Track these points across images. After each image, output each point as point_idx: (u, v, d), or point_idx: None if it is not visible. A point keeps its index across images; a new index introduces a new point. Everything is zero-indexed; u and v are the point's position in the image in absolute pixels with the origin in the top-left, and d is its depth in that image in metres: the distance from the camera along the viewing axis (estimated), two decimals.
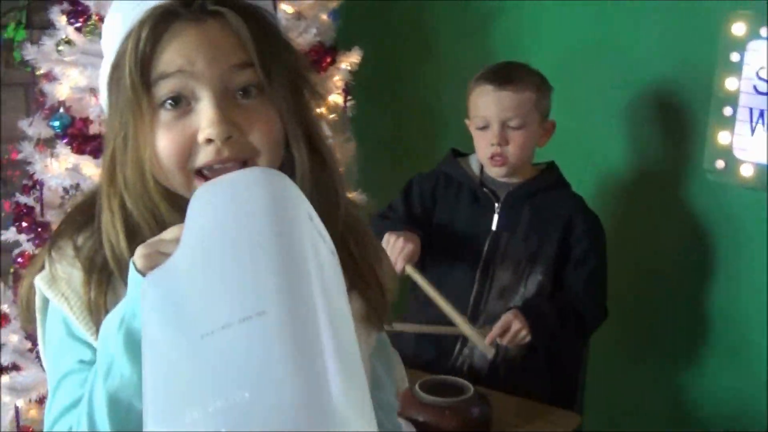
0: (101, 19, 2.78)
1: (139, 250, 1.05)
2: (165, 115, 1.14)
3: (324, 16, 2.98)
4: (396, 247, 2.35)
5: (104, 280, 1.17)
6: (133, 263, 1.05)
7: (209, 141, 1.12)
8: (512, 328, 2.34)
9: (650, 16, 2.80)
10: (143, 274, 1.02)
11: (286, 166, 1.19)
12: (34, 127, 2.84)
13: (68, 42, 2.74)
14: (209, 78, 1.12)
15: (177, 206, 1.14)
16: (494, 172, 2.52)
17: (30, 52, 2.77)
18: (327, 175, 1.22)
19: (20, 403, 2.76)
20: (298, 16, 2.89)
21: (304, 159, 1.19)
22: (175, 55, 1.12)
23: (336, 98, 2.94)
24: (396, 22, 3.47)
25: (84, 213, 1.23)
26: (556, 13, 3.05)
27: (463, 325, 2.33)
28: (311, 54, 2.85)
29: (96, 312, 1.15)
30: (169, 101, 1.13)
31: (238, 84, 1.14)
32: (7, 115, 3.45)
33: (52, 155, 2.80)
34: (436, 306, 2.35)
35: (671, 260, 2.88)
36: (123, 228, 1.16)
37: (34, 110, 3.13)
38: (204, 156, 1.13)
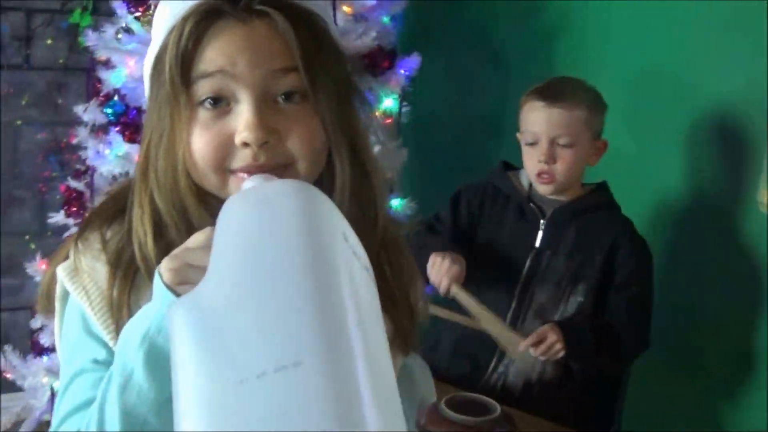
0: None
1: (167, 263, 1.02)
2: (203, 114, 1.11)
3: (385, 19, 2.96)
4: (442, 268, 2.33)
5: (129, 277, 1.14)
6: (160, 274, 1.01)
7: (245, 144, 1.09)
8: (548, 339, 2.29)
9: (713, 41, 2.74)
10: (170, 288, 0.99)
11: (327, 176, 1.17)
12: (89, 113, 2.87)
13: (128, 30, 2.76)
14: (250, 80, 1.09)
15: (208, 207, 1.12)
16: (541, 189, 2.48)
17: (91, 38, 2.79)
18: (367, 188, 1.19)
19: (56, 384, 2.79)
20: (358, 17, 2.87)
21: (345, 170, 1.16)
22: (217, 53, 1.09)
23: (391, 103, 2.92)
24: (460, 30, 3.44)
25: (116, 205, 1.21)
26: (621, 33, 3.00)
27: (511, 337, 2.30)
28: (369, 57, 2.83)
29: (117, 310, 1.13)
30: (209, 100, 1.10)
31: (280, 88, 1.11)
32: (69, 100, 3.50)
33: (104, 142, 2.82)
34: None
35: (720, 291, 2.81)
36: (151, 226, 1.14)
37: (91, 96, 3.17)
38: (240, 159, 1.10)
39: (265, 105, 1.10)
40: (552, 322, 2.33)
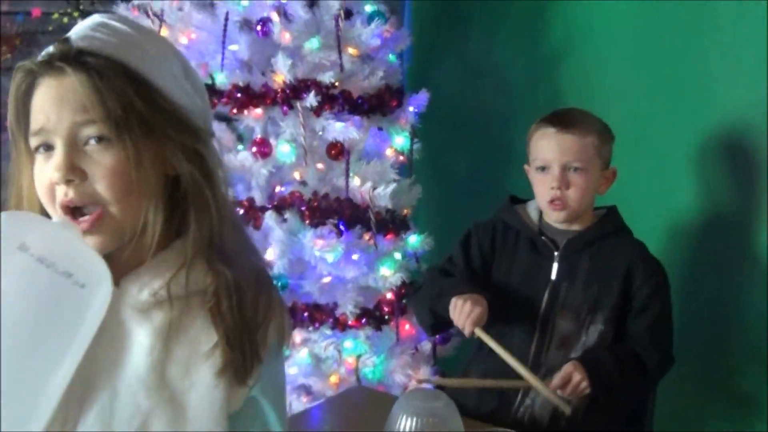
0: None
1: None
2: (39, 158, 1.29)
3: (391, 58, 2.97)
4: (464, 312, 2.32)
5: None
6: None
7: (56, 183, 1.26)
8: (573, 380, 2.29)
9: (721, 61, 2.75)
10: None
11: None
12: None
13: None
14: (60, 131, 1.25)
15: None
16: (553, 216, 2.48)
17: None
18: (208, 224, 1.32)
19: None
20: (365, 58, 2.89)
21: (153, 212, 1.29)
22: (38, 113, 1.27)
23: (402, 141, 2.93)
24: (464, 62, 3.46)
25: None
26: (626, 57, 3.02)
27: (534, 382, 2.29)
28: (377, 97, 2.85)
29: None
30: (42, 147, 1.28)
31: (86, 135, 1.25)
32: None
33: None
34: (499, 358, 2.32)
35: (741, 309, 2.81)
36: None
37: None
38: (57, 196, 1.27)
39: (73, 149, 1.25)
40: (574, 361, 2.32)
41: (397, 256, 2.92)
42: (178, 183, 1.32)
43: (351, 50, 2.83)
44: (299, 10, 2.76)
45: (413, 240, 2.96)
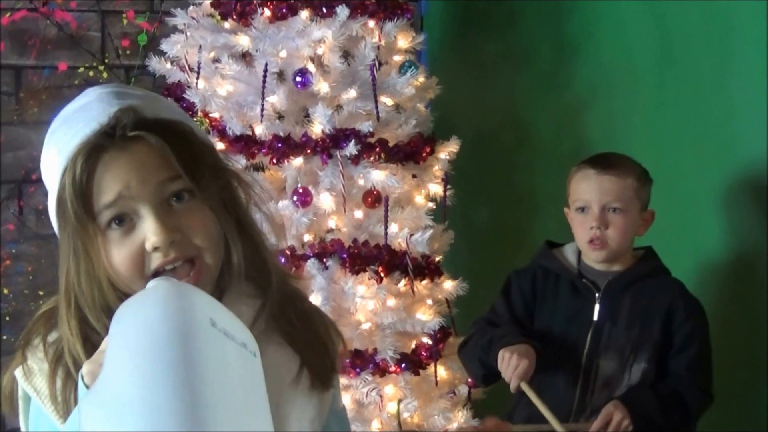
0: (206, 116, 2.87)
1: (86, 366, 1.19)
2: (113, 234, 1.27)
3: (422, 107, 3.02)
4: (511, 365, 2.35)
5: (71, 375, 1.28)
6: (81, 377, 1.19)
7: (156, 248, 1.25)
8: (614, 419, 2.32)
9: (752, 94, 2.78)
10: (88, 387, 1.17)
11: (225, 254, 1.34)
12: None
13: None
14: (145, 195, 1.25)
15: None
16: (593, 256, 2.51)
17: None
18: (259, 256, 1.37)
19: None
20: (397, 108, 2.94)
21: (238, 246, 1.33)
22: (111, 183, 1.25)
23: (435, 187, 2.97)
24: (490, 111, 3.50)
25: (54, 316, 1.35)
26: (650, 100, 3.06)
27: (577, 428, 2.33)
28: (411, 145, 2.89)
29: (63, 405, 1.28)
30: (115, 221, 1.26)
31: (171, 192, 1.27)
32: None
33: None
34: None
35: None
36: (79, 336, 1.28)
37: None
38: (155, 261, 1.26)
39: (163, 211, 1.26)
40: (615, 399, 2.36)
41: (429, 301, 2.95)
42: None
43: (385, 99, 2.88)
44: (335, 61, 2.80)
45: (448, 285, 2.99)
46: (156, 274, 1.26)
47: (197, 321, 1.10)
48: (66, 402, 1.27)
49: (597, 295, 2.50)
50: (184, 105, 2.82)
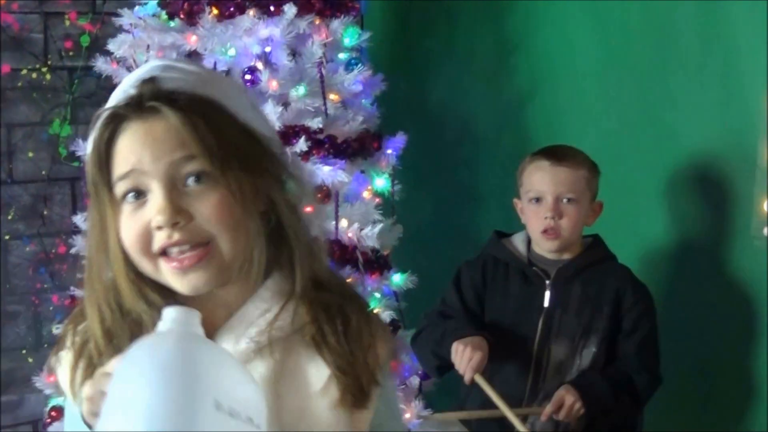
0: None
1: (86, 389, 1.19)
2: (127, 207, 1.23)
3: (367, 104, 3.06)
4: (465, 358, 2.39)
5: (91, 368, 1.24)
6: (80, 403, 1.20)
7: (159, 228, 1.20)
8: (566, 402, 2.38)
9: (691, 88, 2.85)
10: (86, 422, 1.18)
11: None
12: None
13: None
14: (157, 171, 1.20)
15: (142, 295, 1.25)
16: (546, 246, 2.56)
17: (80, 147, 2.84)
18: (288, 249, 1.29)
19: None
20: (344, 104, 2.97)
21: (259, 240, 1.25)
22: (127, 155, 1.21)
23: (383, 183, 3.00)
24: (433, 106, 3.54)
25: None
26: (591, 94, 3.11)
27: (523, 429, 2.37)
28: (359, 141, 2.92)
29: (76, 396, 1.26)
30: (131, 194, 1.22)
31: (186, 173, 1.21)
32: (54, 210, 3.52)
33: None
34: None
35: (719, 327, 2.90)
36: (100, 323, 1.26)
37: (82, 205, 3.19)
38: (158, 240, 1.21)
39: (173, 190, 1.21)
40: (566, 384, 2.42)
41: (378, 294, 2.99)
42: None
43: (333, 96, 2.91)
44: (283, 59, 2.83)
45: (397, 278, 3.02)
46: (163, 253, 1.21)
47: (200, 406, 1.05)
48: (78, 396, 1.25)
49: (547, 282, 2.55)
50: None
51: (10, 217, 3.46)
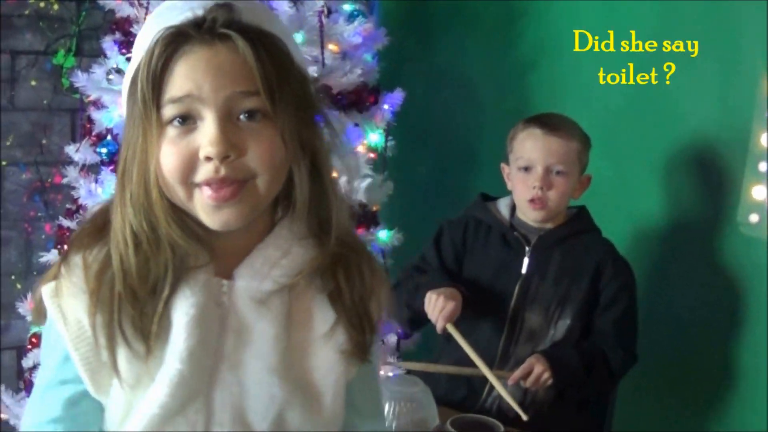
0: None
1: None
2: (172, 131, 1.20)
3: (368, 57, 3.04)
4: (437, 307, 2.39)
5: (113, 304, 1.22)
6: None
7: (208, 159, 1.18)
8: (534, 371, 2.37)
9: (688, 71, 2.84)
10: None
11: (286, 190, 1.28)
12: (81, 153, 2.91)
13: (118, 71, 2.81)
14: (214, 101, 1.18)
15: (177, 222, 1.22)
16: (531, 216, 2.55)
17: (80, 79, 2.84)
18: (325, 204, 1.29)
19: None
20: (344, 56, 2.95)
21: (304, 187, 1.25)
22: (184, 79, 1.18)
23: (377, 138, 3.00)
24: (436, 67, 3.53)
25: (95, 229, 1.28)
26: (594, 65, 3.09)
27: (496, 383, 2.37)
28: (355, 93, 2.91)
29: (108, 339, 1.22)
30: (177, 119, 1.19)
31: (242, 108, 1.19)
32: (53, 140, 3.53)
33: (96, 181, 2.86)
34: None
35: (702, 310, 2.90)
36: (132, 238, 1.22)
37: (81, 136, 3.20)
38: (203, 173, 1.19)
39: (227, 123, 1.18)
40: (537, 353, 2.42)
41: None
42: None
43: (332, 47, 2.89)
44: (284, 5, 2.81)
45: (383, 235, 3.02)
46: (201, 185, 1.20)
47: None
48: (110, 338, 1.21)
49: (527, 248, 2.54)
50: (132, 40, 2.81)
51: (8, 143, 3.47)
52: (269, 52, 1.19)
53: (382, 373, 2.84)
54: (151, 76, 1.18)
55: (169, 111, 1.19)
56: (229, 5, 1.20)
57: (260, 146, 1.19)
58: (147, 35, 1.21)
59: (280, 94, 1.19)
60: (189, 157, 1.19)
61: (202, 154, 1.18)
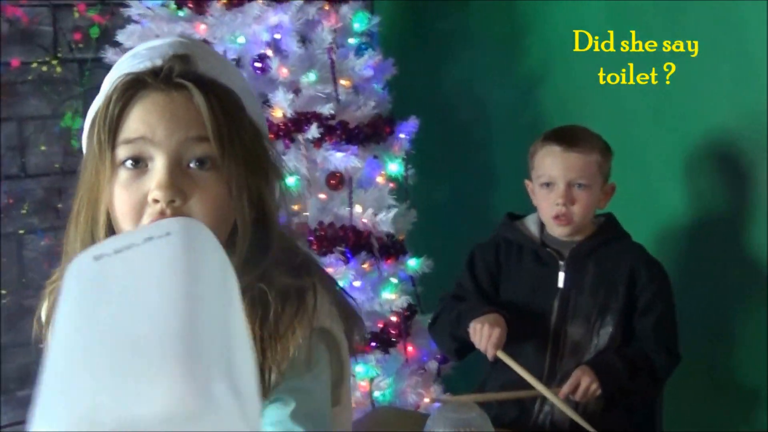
0: None
1: None
2: (124, 173, 1.23)
3: (378, 88, 3.05)
4: (484, 336, 2.38)
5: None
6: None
7: (156, 201, 1.21)
8: (582, 383, 2.37)
9: (705, 66, 2.84)
10: None
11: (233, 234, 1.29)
12: None
13: None
14: (167, 145, 1.22)
15: None
16: (558, 231, 2.55)
17: None
18: (264, 259, 1.29)
19: None
20: (355, 89, 2.96)
21: (245, 235, 1.27)
22: (139, 122, 1.22)
23: (396, 167, 3.00)
24: (446, 89, 3.53)
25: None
26: (606, 72, 3.09)
27: (553, 398, 2.37)
28: (371, 126, 2.92)
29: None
30: (130, 161, 1.23)
31: (193, 155, 1.23)
32: (67, 204, 3.51)
33: None
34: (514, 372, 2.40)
35: (737, 305, 2.90)
36: None
37: None
38: (149, 215, 1.22)
39: (177, 169, 1.22)
40: (583, 365, 2.42)
41: (394, 280, 2.99)
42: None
43: (344, 82, 2.90)
44: (293, 45, 2.82)
45: (413, 263, 3.02)
46: None
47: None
48: None
49: (561, 263, 2.54)
50: None
51: (24, 212, 3.46)
52: (222, 102, 1.24)
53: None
54: (108, 119, 1.22)
55: (122, 152, 1.22)
56: (186, 57, 1.26)
57: (204, 195, 1.23)
58: (109, 81, 1.28)
59: (229, 142, 1.23)
60: (139, 201, 1.22)
61: (150, 197, 1.21)
